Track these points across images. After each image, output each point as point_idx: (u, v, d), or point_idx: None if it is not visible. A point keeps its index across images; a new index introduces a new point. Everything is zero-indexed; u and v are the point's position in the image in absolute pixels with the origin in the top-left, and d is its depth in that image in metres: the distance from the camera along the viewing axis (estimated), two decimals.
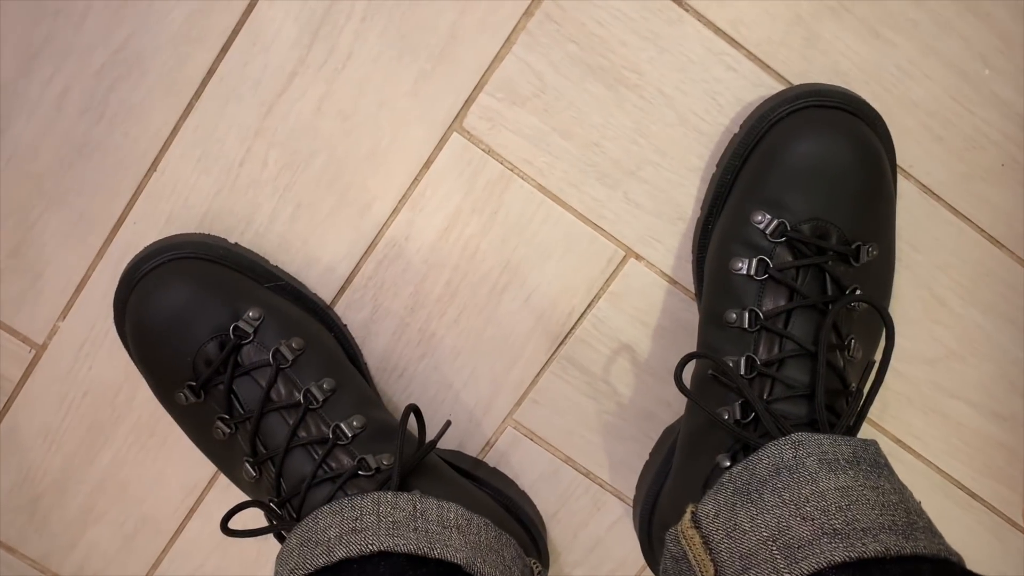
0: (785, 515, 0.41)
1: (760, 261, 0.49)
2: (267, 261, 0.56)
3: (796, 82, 0.55)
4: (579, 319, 0.59)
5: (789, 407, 0.47)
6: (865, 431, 0.59)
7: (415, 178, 0.56)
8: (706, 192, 0.55)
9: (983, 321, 0.58)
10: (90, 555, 0.62)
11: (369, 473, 0.49)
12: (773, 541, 0.41)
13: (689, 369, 0.52)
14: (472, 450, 0.61)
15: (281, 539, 0.51)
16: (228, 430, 0.51)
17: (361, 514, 0.45)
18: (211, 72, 0.55)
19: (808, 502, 0.41)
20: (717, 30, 0.54)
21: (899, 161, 0.55)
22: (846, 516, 0.40)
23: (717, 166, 0.54)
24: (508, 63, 0.55)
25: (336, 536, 0.44)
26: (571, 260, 0.58)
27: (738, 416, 0.48)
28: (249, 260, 0.54)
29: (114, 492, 0.61)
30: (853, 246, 0.49)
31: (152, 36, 0.54)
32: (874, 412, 0.59)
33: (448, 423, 0.53)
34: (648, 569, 0.59)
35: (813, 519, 0.40)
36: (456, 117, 0.56)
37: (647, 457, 0.60)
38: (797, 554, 0.39)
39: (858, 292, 0.49)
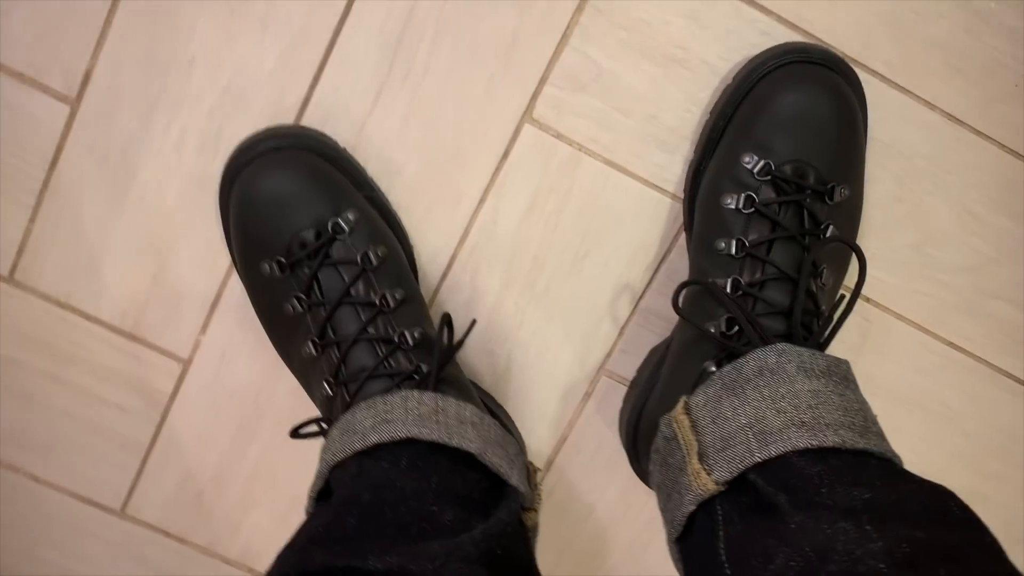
0: (762, 407, 0.48)
1: (747, 197, 0.56)
2: (366, 172, 0.62)
3: (825, 38, 0.61)
4: (655, 273, 0.66)
5: (769, 322, 0.54)
6: (919, 338, 0.67)
7: (496, 169, 0.64)
8: (698, 137, 0.62)
9: (1013, 226, 0.65)
10: (252, 536, 0.71)
11: (420, 378, 0.56)
12: (750, 428, 0.48)
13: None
14: (573, 400, 0.68)
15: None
16: (300, 309, 0.57)
17: (391, 408, 0.52)
18: (306, 100, 0.62)
19: (783, 399, 0.48)
20: (748, 0, 0.61)
21: (924, 95, 0.62)
22: (814, 413, 0.47)
23: (710, 114, 0.61)
24: (567, 55, 0.62)
25: (370, 426, 0.52)
26: (642, 222, 0.65)
27: (723, 329, 0.55)
28: (354, 166, 0.61)
29: (266, 479, 0.70)
30: (828, 186, 0.56)
31: (251, 75, 0.61)
32: (927, 321, 0.67)
33: (474, 322, 0.59)
34: None
35: (785, 412, 0.48)
36: (526, 110, 0.63)
37: None
38: (768, 439, 0.47)
39: (831, 227, 0.55)
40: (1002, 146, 0.63)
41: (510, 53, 0.61)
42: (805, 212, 0.56)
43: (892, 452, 0.48)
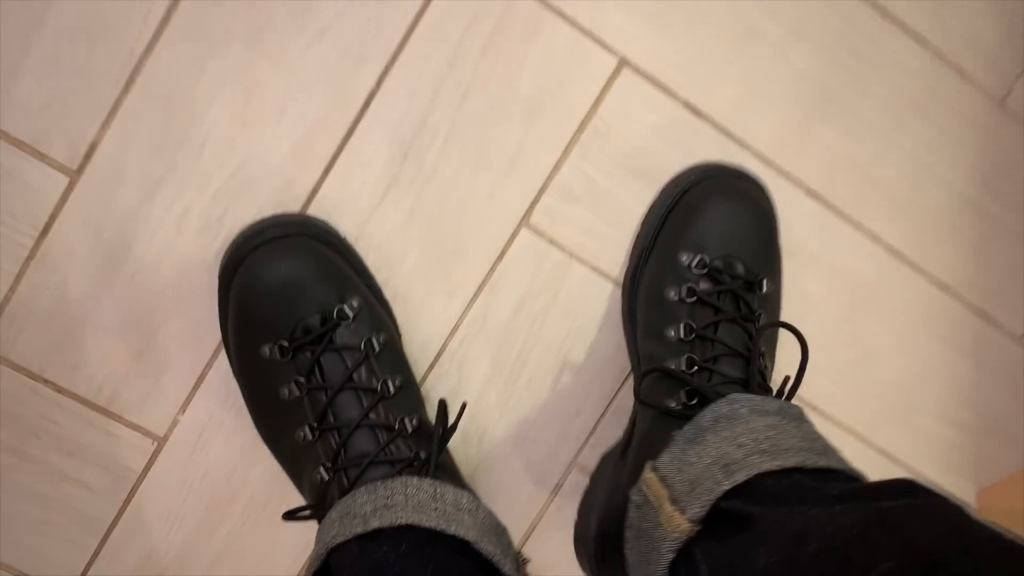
0: (724, 446, 0.52)
1: (688, 288, 0.61)
2: (363, 260, 0.64)
3: (794, 173, 0.68)
4: (628, 375, 0.70)
5: (726, 389, 0.58)
6: (857, 446, 0.74)
7: (491, 267, 0.67)
8: (632, 249, 0.68)
9: (939, 349, 0.73)
10: None
11: (418, 464, 0.57)
12: (715, 464, 0.51)
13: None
14: (544, 491, 0.71)
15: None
16: (299, 393, 0.58)
17: (392, 493, 0.54)
18: (315, 191, 0.64)
19: (742, 435, 0.51)
20: (730, 136, 0.67)
21: (872, 229, 0.70)
22: (772, 441, 0.50)
23: (641, 226, 0.67)
24: (565, 170, 0.66)
25: (371, 511, 0.53)
26: (620, 327, 0.69)
27: (685, 400, 0.59)
28: (353, 254, 0.64)
29: (231, 562, 0.68)
30: (758, 277, 0.62)
31: (262, 162, 0.63)
32: (866, 430, 0.74)
33: (464, 404, 0.59)
34: None
35: (746, 446, 0.51)
36: (524, 216, 0.66)
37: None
38: (732, 468, 0.50)
39: (763, 316, 0.62)
40: (932, 279, 0.72)
41: (514, 163, 0.65)
42: (740, 300, 0.61)
43: (857, 470, 0.51)
